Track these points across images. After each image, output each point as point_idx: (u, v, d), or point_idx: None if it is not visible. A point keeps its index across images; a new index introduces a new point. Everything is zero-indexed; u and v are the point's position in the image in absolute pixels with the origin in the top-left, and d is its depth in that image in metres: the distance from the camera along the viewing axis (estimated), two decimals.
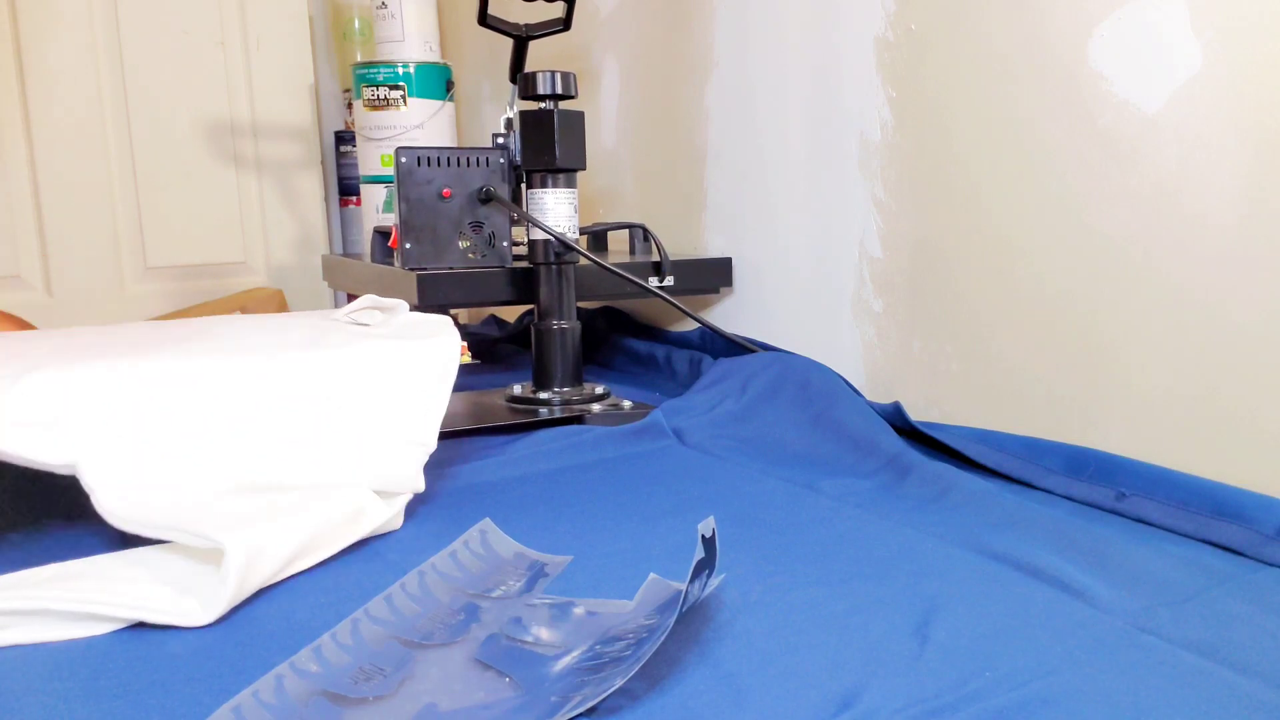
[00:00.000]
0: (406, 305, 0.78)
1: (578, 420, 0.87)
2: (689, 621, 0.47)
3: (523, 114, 0.91)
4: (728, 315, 1.07)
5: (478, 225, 0.94)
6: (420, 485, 0.64)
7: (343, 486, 0.60)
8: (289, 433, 0.62)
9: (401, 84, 1.27)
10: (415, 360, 0.68)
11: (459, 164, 0.92)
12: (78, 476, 0.55)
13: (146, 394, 0.59)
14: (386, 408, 0.66)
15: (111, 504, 0.53)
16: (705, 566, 0.44)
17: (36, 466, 0.55)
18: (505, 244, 0.94)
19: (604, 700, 0.39)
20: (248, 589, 0.50)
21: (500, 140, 0.96)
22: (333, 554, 0.56)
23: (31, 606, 0.47)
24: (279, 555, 0.52)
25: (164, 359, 0.61)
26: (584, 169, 0.92)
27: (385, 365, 0.67)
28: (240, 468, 0.60)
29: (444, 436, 0.76)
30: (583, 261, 0.93)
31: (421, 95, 1.28)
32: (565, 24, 1.06)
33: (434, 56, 1.30)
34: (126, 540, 0.56)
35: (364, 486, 0.61)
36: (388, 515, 0.60)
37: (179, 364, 0.61)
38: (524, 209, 0.93)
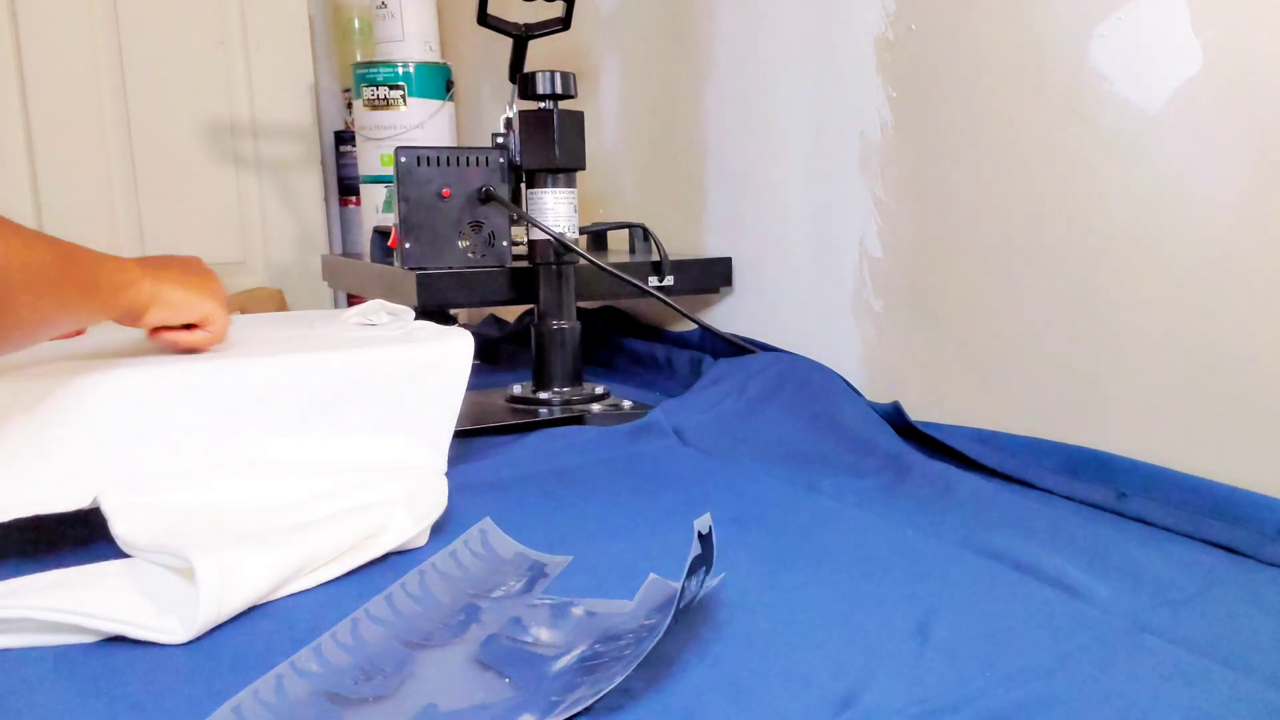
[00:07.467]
0: (413, 313, 0.78)
1: (578, 420, 0.87)
2: (689, 621, 0.47)
3: (522, 114, 0.91)
4: (728, 315, 1.07)
5: (477, 225, 0.94)
6: (443, 468, 0.64)
7: (369, 505, 0.59)
8: (311, 433, 0.62)
9: (401, 84, 1.27)
10: (434, 360, 0.68)
11: (458, 163, 0.92)
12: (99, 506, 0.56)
13: (164, 404, 0.59)
14: (408, 407, 0.66)
15: (124, 530, 0.54)
16: (702, 563, 0.44)
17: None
18: (505, 244, 0.94)
19: (603, 699, 0.39)
20: (228, 608, 0.49)
21: (500, 140, 0.96)
22: (347, 570, 0.55)
23: (15, 615, 0.46)
24: (262, 574, 0.51)
25: (179, 365, 0.61)
26: (584, 169, 0.92)
27: (405, 365, 0.67)
28: (260, 480, 0.60)
29: None
30: (582, 262, 0.93)
31: (421, 95, 1.28)
32: (565, 23, 1.06)
33: (434, 56, 1.30)
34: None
35: (391, 502, 0.59)
36: (412, 533, 0.58)
37: (197, 367, 0.61)
38: (524, 209, 0.93)
